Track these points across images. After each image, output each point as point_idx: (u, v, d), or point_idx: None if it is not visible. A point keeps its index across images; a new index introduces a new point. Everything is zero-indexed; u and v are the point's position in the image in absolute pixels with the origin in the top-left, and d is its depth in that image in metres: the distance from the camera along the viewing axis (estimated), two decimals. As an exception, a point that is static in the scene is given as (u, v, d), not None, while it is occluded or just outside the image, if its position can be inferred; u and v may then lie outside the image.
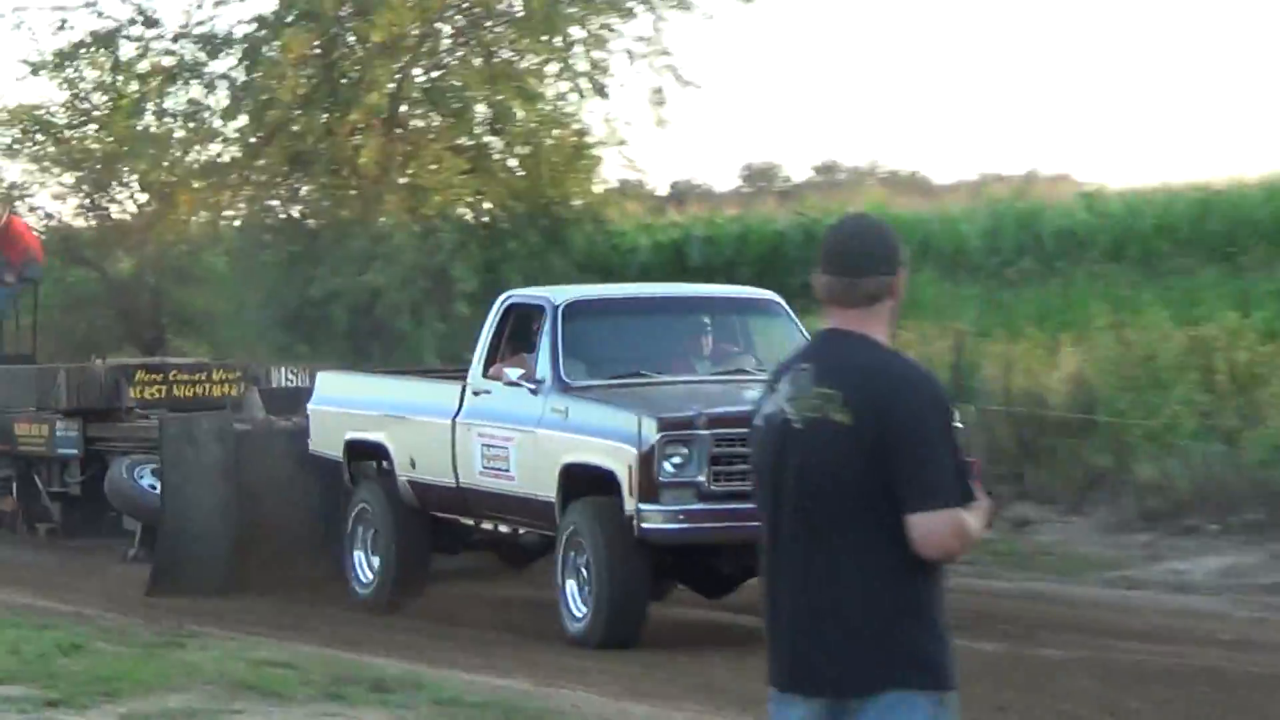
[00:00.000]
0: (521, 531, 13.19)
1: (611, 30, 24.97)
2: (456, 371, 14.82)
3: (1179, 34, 57.89)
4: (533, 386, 12.48)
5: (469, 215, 26.75)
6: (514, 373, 12.49)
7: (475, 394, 13.14)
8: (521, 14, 24.89)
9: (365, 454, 14.13)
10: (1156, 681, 11.51)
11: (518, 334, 13.01)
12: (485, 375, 13.08)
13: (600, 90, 25.18)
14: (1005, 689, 11.07)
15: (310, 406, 14.63)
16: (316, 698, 10.54)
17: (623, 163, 27.05)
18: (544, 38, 24.99)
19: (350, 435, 13.99)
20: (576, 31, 25.01)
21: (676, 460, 11.65)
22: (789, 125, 62.30)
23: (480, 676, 11.76)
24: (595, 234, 27.17)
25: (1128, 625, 13.50)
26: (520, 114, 25.50)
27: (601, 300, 13.95)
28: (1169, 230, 24.99)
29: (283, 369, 17.30)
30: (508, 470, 12.80)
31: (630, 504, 11.88)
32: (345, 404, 14.27)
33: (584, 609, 12.26)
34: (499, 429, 12.79)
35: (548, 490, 12.41)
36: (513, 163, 26.16)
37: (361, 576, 13.79)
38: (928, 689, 4.77)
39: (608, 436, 12.17)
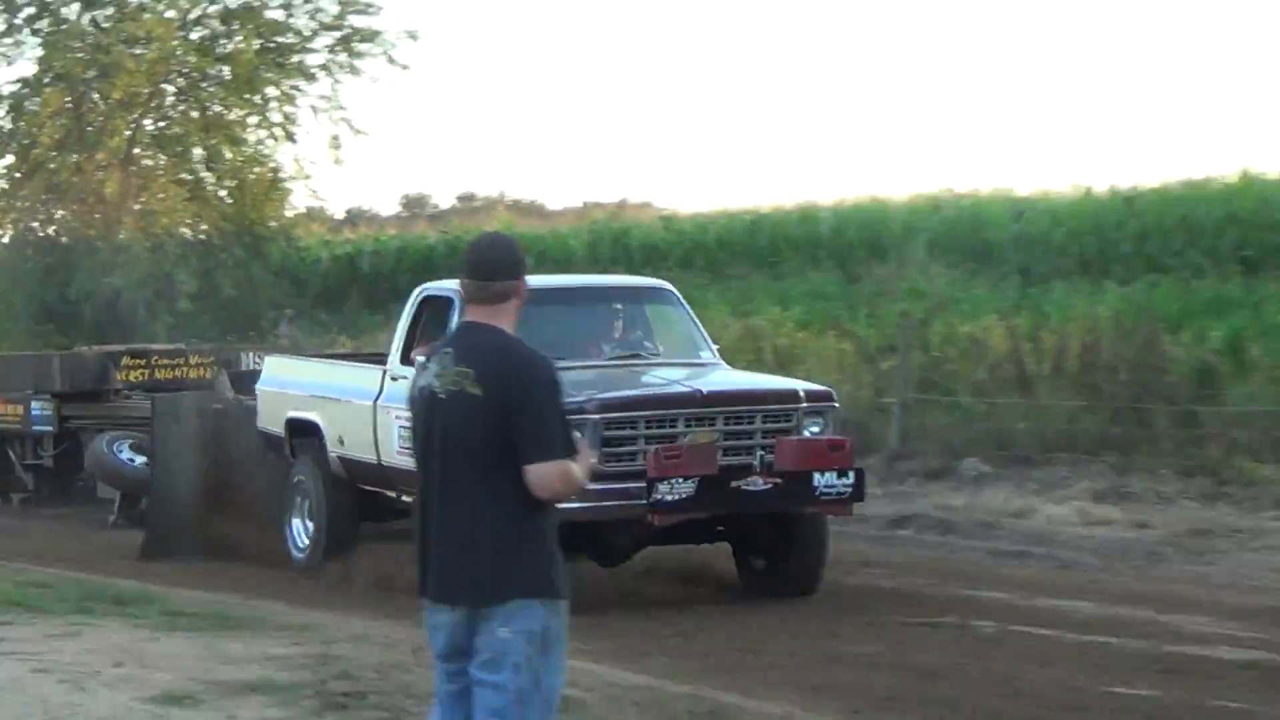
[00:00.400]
0: None
1: (299, 90, 28.48)
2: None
3: (732, 82, 64.99)
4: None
5: (189, 233, 29.83)
6: (422, 358, 11.61)
7: (393, 379, 12.76)
8: (229, 78, 28.19)
9: (302, 431, 13.87)
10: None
11: (432, 323, 12.61)
12: (402, 362, 12.69)
13: (290, 136, 28.75)
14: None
15: (258, 387, 14.55)
16: (70, 611, 10.87)
17: (308, 193, 30.88)
18: (247, 96, 28.48)
19: (290, 414, 13.89)
20: (272, 91, 28.50)
21: None
22: (437, 161, 70.17)
23: (198, 592, 12.46)
24: (287, 248, 30.81)
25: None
26: (229, 155, 29.02)
27: None
28: (728, 244, 28.36)
29: (250, 354, 17.44)
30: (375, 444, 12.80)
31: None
32: (287, 385, 14.13)
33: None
34: (405, 411, 12.37)
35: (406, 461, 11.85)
36: (223, 193, 29.50)
37: (298, 542, 13.71)
38: (543, 597, 5.38)
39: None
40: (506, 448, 5.34)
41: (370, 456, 12.99)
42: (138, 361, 17.93)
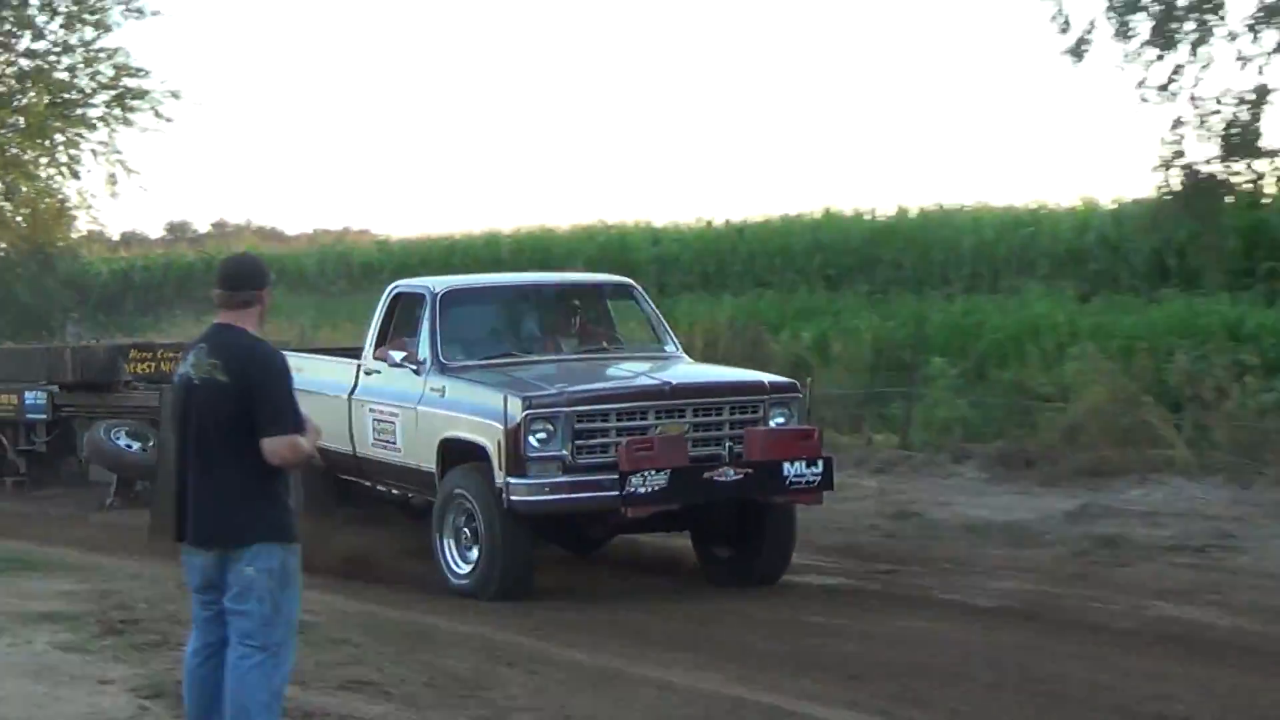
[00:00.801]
0: (410, 496, 10.97)
1: (82, 137, 27.70)
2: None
3: (437, 121, 65.42)
4: (415, 367, 10.48)
5: (-8, 252, 29.72)
6: (397, 355, 10.61)
7: (367, 374, 11.14)
8: (24, 126, 27.51)
9: None
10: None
11: (403, 319, 11.07)
12: (374, 357, 11.10)
13: (75, 174, 28.07)
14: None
15: None
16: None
17: (90, 220, 30.11)
18: (39, 141, 27.77)
19: None
20: (59, 138, 27.74)
21: (541, 436, 9.54)
22: (196, 193, 69.41)
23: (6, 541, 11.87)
24: (74, 264, 31.04)
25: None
26: (24, 188, 28.42)
27: (476, 288, 11.74)
28: (428, 263, 26.12)
29: None
30: (395, 442, 10.82)
31: (499, 477, 9.67)
32: None
33: (466, 566, 10.07)
34: (386, 405, 10.81)
35: (429, 462, 10.34)
36: (19, 219, 28.97)
37: None
38: (280, 541, 5.47)
39: (479, 414, 9.97)
40: (248, 423, 5.39)
41: (346, 447, 11.19)
42: (144, 354, 15.67)
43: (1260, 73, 12.67)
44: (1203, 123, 12.95)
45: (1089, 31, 12.84)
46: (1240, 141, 12.79)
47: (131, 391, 15.05)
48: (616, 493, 9.34)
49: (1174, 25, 12.63)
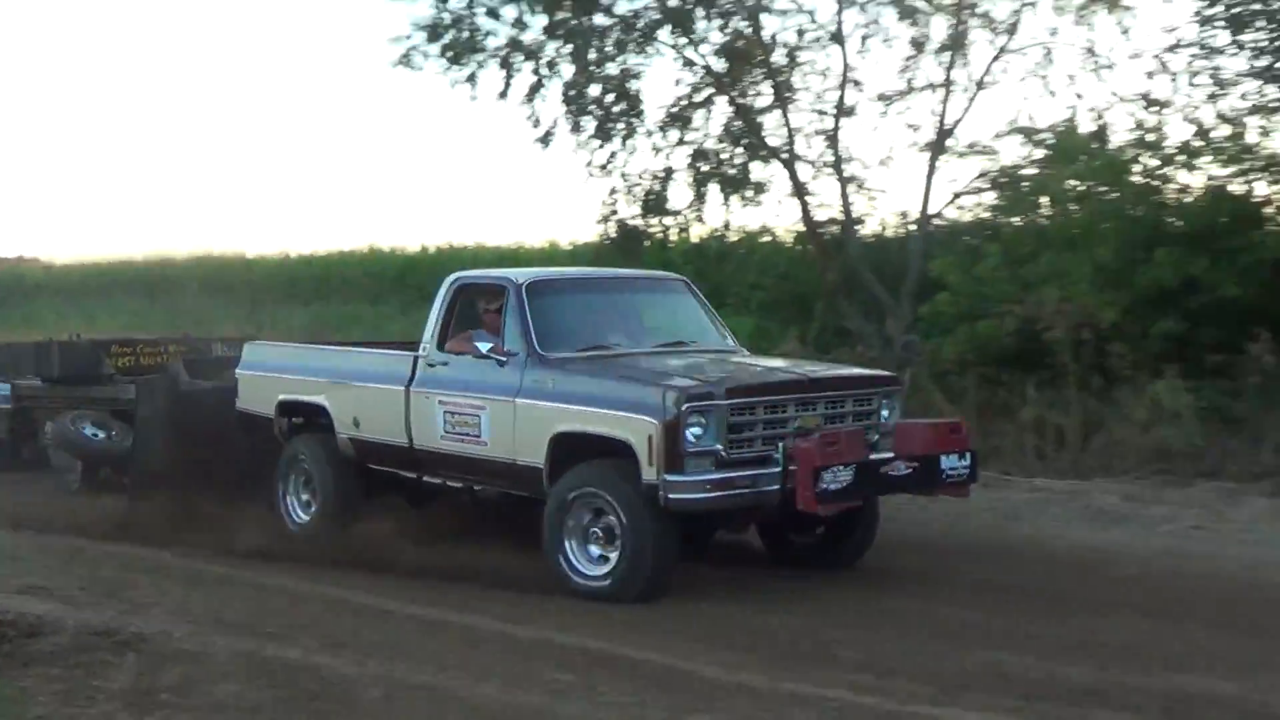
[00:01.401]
0: (476, 488, 10.57)
1: None
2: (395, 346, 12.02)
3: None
4: (503, 359, 9.97)
5: None
6: (484, 345, 10.08)
7: (430, 366, 10.57)
8: None
9: (299, 412, 11.67)
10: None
11: (466, 313, 10.62)
12: (441, 349, 10.53)
13: None
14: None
15: (239, 371, 12.25)
16: None
17: None
18: None
19: (284, 396, 11.69)
20: None
21: (697, 430, 9.07)
22: None
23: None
24: None
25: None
26: None
27: (560, 280, 11.07)
28: (89, 283, 32.59)
29: (218, 343, 15.51)
30: (478, 435, 10.16)
31: (650, 473, 9.11)
32: (278, 369, 11.90)
33: (598, 567, 9.41)
34: (465, 398, 10.22)
35: (531, 456, 9.71)
36: None
37: (295, 514, 11.55)
38: None
39: (618, 407, 9.32)
40: None
41: (398, 439, 10.71)
42: (126, 349, 15.91)
43: (667, 158, 18.70)
44: (629, 190, 18.71)
45: (553, 127, 18.47)
46: (654, 204, 18.97)
47: (110, 385, 15.14)
48: (776, 487, 9.01)
49: (610, 125, 18.68)
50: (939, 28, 16.62)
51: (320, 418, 11.44)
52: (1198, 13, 14.26)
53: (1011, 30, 16.38)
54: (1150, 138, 14.79)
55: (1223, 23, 14.17)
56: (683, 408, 9.02)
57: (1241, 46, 14.06)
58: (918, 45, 16.71)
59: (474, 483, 10.55)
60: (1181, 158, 14.37)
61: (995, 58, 16.45)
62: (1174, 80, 14.87)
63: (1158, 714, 6.75)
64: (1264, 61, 13.84)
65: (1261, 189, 13.96)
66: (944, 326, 15.26)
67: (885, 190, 17.95)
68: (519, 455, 9.85)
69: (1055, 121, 16.15)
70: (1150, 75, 15.36)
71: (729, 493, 9.11)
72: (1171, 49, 14.74)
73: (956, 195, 16.80)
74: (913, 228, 17.16)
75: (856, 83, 17.10)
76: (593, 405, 9.44)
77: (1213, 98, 14.43)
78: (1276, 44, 13.77)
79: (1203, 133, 14.37)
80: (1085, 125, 15.65)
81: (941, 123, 16.55)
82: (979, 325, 14.75)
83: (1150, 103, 15.17)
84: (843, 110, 17.04)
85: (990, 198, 16.33)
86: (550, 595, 9.23)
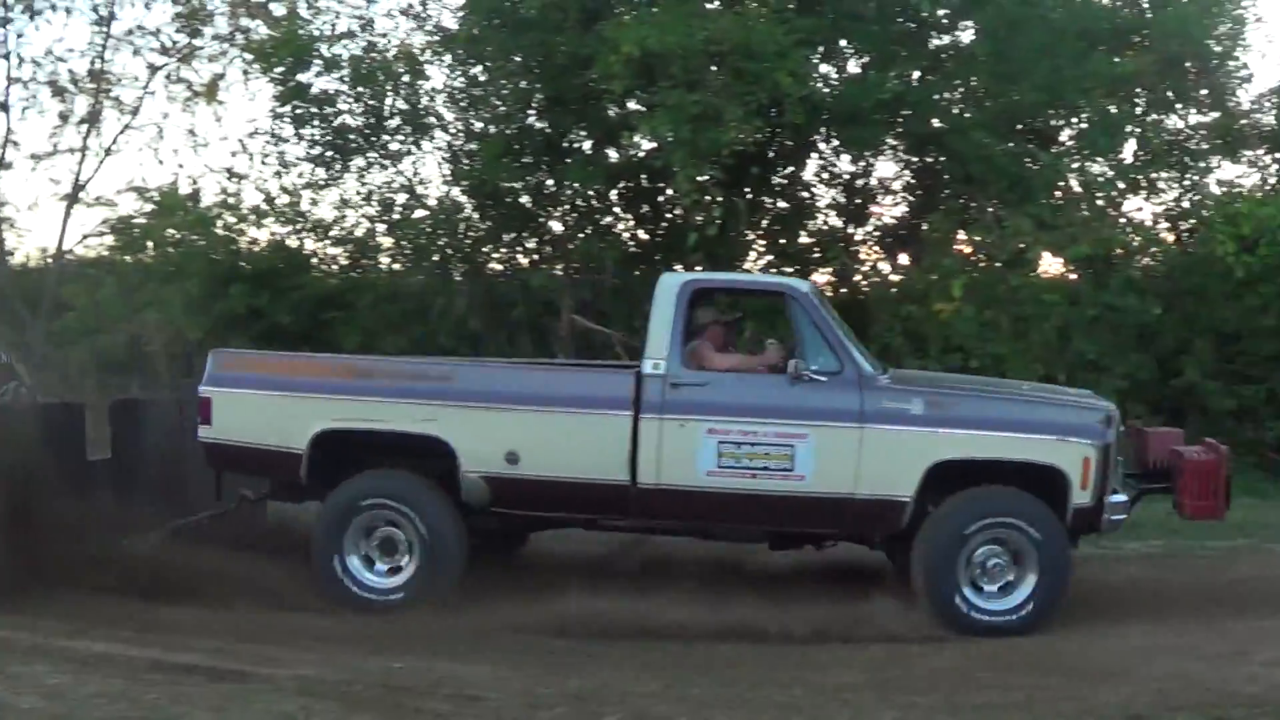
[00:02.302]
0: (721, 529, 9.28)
1: None
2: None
3: None
4: (825, 378, 8.76)
5: None
6: (797, 365, 8.85)
7: (677, 385, 8.92)
8: None
9: (358, 445, 9.33)
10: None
11: (693, 322, 9.23)
12: (719, 367, 9.11)
13: None
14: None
15: (209, 389, 9.52)
16: None
17: None
18: None
19: (332, 424, 9.23)
20: None
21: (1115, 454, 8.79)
22: None
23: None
24: None
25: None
26: None
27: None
28: None
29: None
30: (788, 469, 8.74)
31: (1084, 497, 8.61)
32: (314, 388, 9.40)
33: (1002, 601, 8.68)
34: (765, 425, 8.75)
35: (887, 489, 8.70)
36: None
37: (363, 579, 9.23)
38: None
39: (1043, 431, 8.66)
40: None
41: (609, 476, 8.92)
42: None
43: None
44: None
45: None
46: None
47: None
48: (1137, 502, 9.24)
49: None
50: (81, 105, 20.42)
51: (410, 451, 9.28)
52: (272, 110, 17.67)
53: (135, 111, 20.48)
54: (231, 200, 18.43)
55: (289, 119, 18.80)
56: (1118, 430, 8.87)
57: (301, 138, 17.81)
58: (64, 117, 20.46)
59: (760, 526, 9.14)
60: (253, 217, 18.14)
61: (121, 131, 20.49)
62: (251, 158, 18.29)
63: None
64: (316, 151, 18.28)
65: (310, 244, 18.10)
66: (71, 340, 19.27)
67: (32, 229, 22.19)
68: (860, 488, 8.73)
69: (162, 183, 20.41)
70: (234, 154, 20.43)
71: (1130, 511, 9.10)
72: (251, 135, 18.16)
73: (85, 236, 20.89)
74: (50, 260, 20.90)
75: (15, 143, 20.70)
76: (1000, 430, 8.72)
77: (278, 174, 17.93)
78: (326, 138, 18.56)
79: (269, 200, 18.06)
80: (184, 187, 19.31)
81: (77, 179, 20.38)
82: (100, 339, 18.89)
83: (232, 174, 18.67)
84: (2, 165, 20.53)
85: (110, 240, 20.09)
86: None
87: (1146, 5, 17.51)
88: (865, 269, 17.11)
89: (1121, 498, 8.91)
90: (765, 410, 8.82)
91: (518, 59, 16.79)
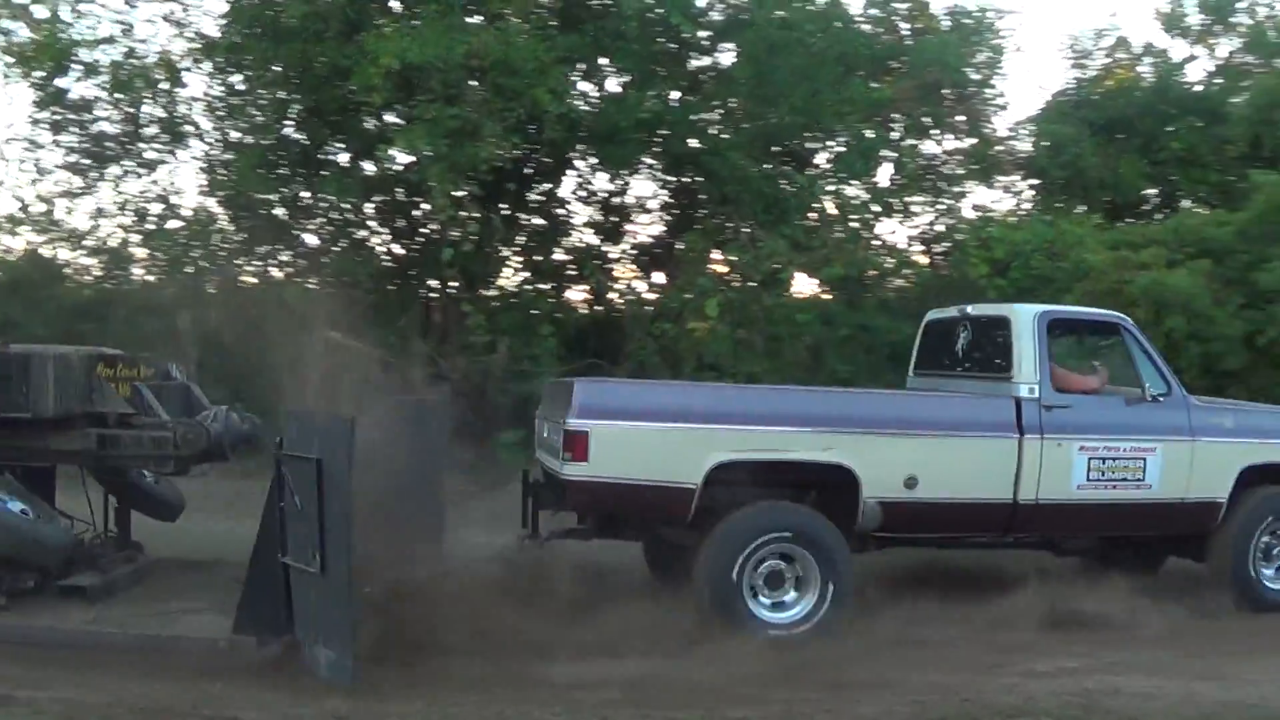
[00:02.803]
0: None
1: None
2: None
3: None
4: (1158, 398, 10.01)
5: None
6: (1155, 388, 10.01)
7: (1049, 408, 9.66)
8: None
9: (753, 478, 9.07)
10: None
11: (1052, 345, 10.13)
12: (1080, 389, 9.96)
13: None
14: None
15: (584, 422, 8.92)
16: None
17: None
18: None
19: (728, 456, 9.00)
20: None
21: None
22: None
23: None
24: None
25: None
26: None
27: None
28: None
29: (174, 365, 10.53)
30: (1140, 479, 9.74)
31: None
32: (705, 416, 9.09)
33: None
34: (1126, 441, 9.73)
35: (1209, 491, 9.97)
36: None
37: (759, 616, 9.03)
38: None
39: None
40: None
41: (994, 495, 9.47)
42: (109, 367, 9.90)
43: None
44: None
45: None
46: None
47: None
48: None
49: None
50: None
51: (804, 481, 9.33)
52: (30, 115, 17.34)
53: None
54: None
55: (46, 125, 18.39)
56: None
57: (59, 145, 17.75)
58: None
59: (1115, 532, 10.16)
60: (8, 225, 17.69)
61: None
62: (6, 164, 17.64)
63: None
64: (73, 159, 18.03)
65: (64, 254, 17.75)
66: None
67: None
68: (1190, 493, 9.98)
69: None
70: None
71: None
72: (7, 141, 18.06)
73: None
74: None
75: None
76: (1276, 438, 10.33)
77: (34, 181, 17.50)
78: (83, 145, 18.16)
79: (24, 207, 17.57)
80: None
81: None
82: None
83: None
84: None
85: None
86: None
87: (906, 32, 17.85)
88: (621, 287, 17.15)
89: None
90: (1123, 428, 9.82)
91: (277, 68, 16.53)
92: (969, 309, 10.76)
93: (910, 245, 17.56)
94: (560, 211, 17.34)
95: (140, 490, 10.44)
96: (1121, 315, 10.62)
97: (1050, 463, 9.60)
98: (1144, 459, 9.85)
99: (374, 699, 7.27)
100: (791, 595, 9.14)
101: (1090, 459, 9.72)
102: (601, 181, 17.35)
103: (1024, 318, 9.94)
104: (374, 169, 16.51)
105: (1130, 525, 10.04)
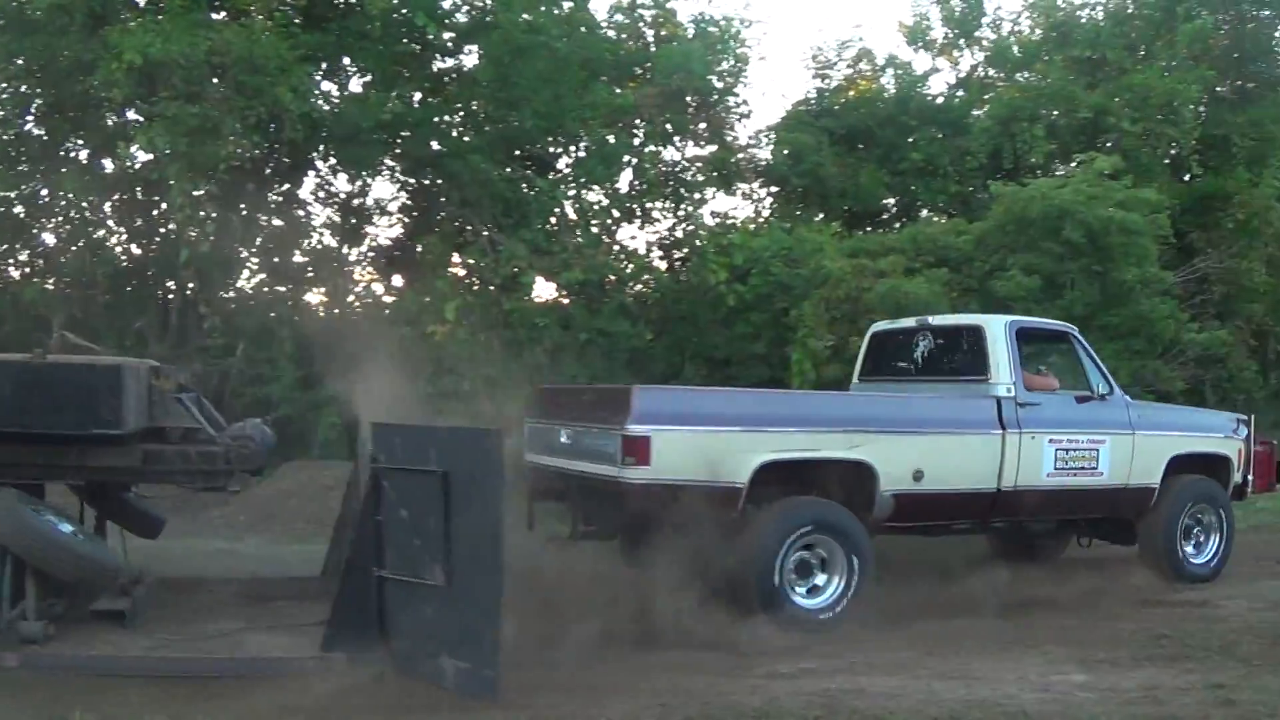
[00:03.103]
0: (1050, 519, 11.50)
1: None
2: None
3: None
4: (1102, 396, 11.22)
5: None
6: (1096, 387, 11.26)
7: (1023, 406, 10.70)
8: None
9: (789, 475, 9.74)
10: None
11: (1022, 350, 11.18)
12: (1029, 388, 10.88)
13: None
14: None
15: (645, 428, 9.31)
16: None
17: None
18: None
19: (774, 455, 9.60)
20: None
21: None
22: None
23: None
24: None
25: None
26: None
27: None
28: None
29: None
30: (1094, 468, 11.03)
31: (1236, 477, 11.96)
32: (755, 421, 9.64)
33: (1203, 557, 11.74)
34: (1084, 434, 10.96)
35: (1145, 478, 11.34)
36: None
37: (801, 604, 9.60)
38: None
39: (1216, 431, 11.95)
40: None
41: (983, 485, 10.49)
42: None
43: None
44: None
45: None
46: None
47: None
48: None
49: None
50: None
51: (830, 477, 9.95)
52: None
53: None
54: None
55: None
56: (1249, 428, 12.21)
57: None
58: None
59: (1068, 515, 11.46)
60: None
61: None
62: None
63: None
64: None
65: None
66: None
67: None
68: (1131, 480, 11.33)
69: None
70: None
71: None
72: None
73: None
74: None
75: None
76: (1194, 431, 11.82)
77: None
78: None
79: None
80: None
81: None
82: None
83: None
84: None
85: None
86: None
87: (651, 39, 18.24)
88: (359, 289, 17.25)
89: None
90: (1080, 423, 10.97)
91: (20, 62, 16.24)
92: (930, 320, 12.03)
93: (650, 251, 17.95)
94: (300, 213, 17.35)
95: (127, 506, 10.03)
96: (1070, 325, 11.85)
97: (1026, 454, 10.65)
98: (1097, 449, 11.07)
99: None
100: (822, 579, 9.80)
101: (1057, 450, 10.83)
102: (342, 183, 17.43)
103: (997, 327, 11.06)
104: (113, 166, 16.36)
105: (1085, 508, 11.31)
